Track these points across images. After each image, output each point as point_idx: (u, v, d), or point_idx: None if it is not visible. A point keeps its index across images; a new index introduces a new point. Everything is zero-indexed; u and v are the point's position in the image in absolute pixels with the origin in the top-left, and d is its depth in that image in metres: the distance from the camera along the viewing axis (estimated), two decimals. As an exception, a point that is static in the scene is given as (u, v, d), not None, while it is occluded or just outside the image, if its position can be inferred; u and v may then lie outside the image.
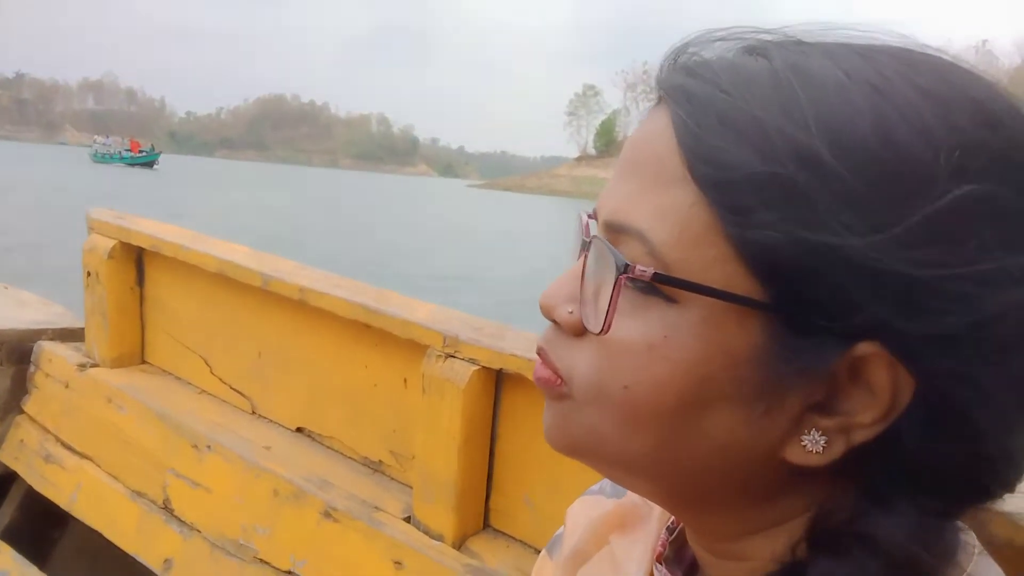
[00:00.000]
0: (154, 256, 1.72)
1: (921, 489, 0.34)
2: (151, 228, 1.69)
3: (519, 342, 1.14)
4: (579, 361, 0.37)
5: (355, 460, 1.45)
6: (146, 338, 1.82)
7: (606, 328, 0.35)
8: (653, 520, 0.50)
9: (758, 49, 0.36)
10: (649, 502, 0.51)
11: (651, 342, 0.34)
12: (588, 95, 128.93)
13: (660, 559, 0.47)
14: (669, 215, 0.34)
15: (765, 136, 0.32)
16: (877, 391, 0.32)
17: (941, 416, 0.33)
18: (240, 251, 1.55)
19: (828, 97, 0.32)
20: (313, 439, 1.53)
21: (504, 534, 1.24)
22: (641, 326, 0.35)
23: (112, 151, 75.04)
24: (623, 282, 0.34)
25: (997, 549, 0.38)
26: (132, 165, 68.32)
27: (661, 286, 0.34)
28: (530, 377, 1.09)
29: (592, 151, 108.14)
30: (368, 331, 1.35)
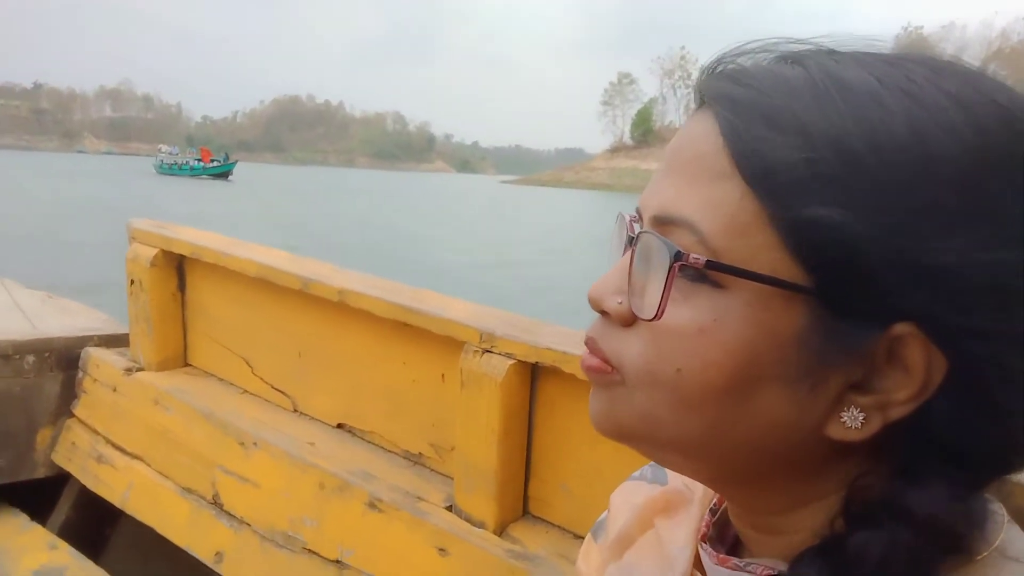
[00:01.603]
0: (194, 263, 1.78)
1: (950, 464, 0.36)
2: (191, 236, 1.76)
3: (553, 336, 1.19)
4: (630, 348, 0.40)
5: (396, 453, 1.51)
6: (188, 342, 1.89)
7: (660, 313, 0.37)
8: (696, 503, 0.53)
9: (793, 58, 0.39)
10: (691, 486, 0.54)
11: (701, 326, 0.37)
12: (623, 83, 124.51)
13: (704, 539, 0.49)
14: (718, 207, 0.36)
15: (807, 134, 0.34)
16: (912, 370, 0.35)
17: (969, 395, 0.35)
18: (279, 255, 1.61)
19: (863, 100, 0.35)
20: (354, 434, 1.59)
21: (543, 520, 1.29)
22: (691, 312, 0.37)
23: (180, 161, 69.36)
24: (676, 269, 0.37)
25: (1019, 519, 0.41)
26: (205, 176, 63.11)
27: (710, 272, 0.36)
28: (565, 370, 1.14)
29: (628, 141, 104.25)
30: (406, 329, 1.40)
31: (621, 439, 0.43)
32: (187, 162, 67.64)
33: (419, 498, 1.35)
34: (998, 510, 0.38)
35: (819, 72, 0.36)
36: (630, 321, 0.40)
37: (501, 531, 1.27)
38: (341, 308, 1.48)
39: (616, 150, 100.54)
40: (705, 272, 0.36)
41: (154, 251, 1.77)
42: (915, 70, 0.36)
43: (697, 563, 0.49)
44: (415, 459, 1.48)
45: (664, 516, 0.55)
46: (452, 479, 1.35)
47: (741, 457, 0.39)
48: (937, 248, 0.33)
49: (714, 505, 0.51)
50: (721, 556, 0.46)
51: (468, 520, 1.29)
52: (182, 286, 1.85)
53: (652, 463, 0.62)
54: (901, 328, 0.34)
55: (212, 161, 67.59)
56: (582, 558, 0.63)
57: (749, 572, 0.43)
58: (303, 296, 1.55)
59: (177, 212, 22.22)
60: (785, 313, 0.35)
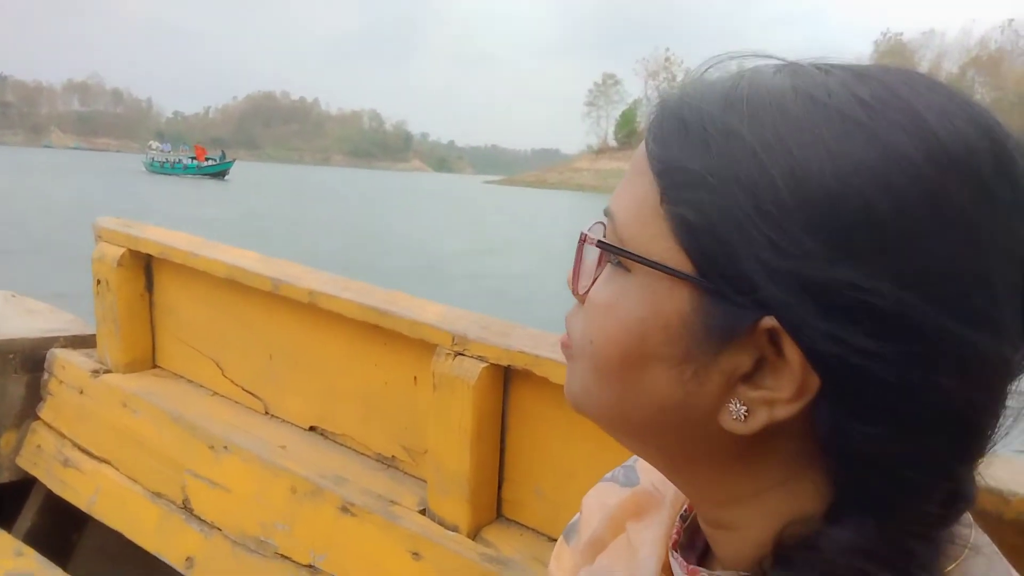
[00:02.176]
0: (163, 263, 1.75)
1: (889, 494, 0.36)
2: (159, 236, 1.73)
3: (526, 339, 1.19)
4: (576, 324, 0.45)
5: (369, 456, 1.50)
6: (157, 343, 1.86)
7: (576, 289, 0.44)
8: (666, 506, 0.52)
9: (742, 71, 0.40)
10: (661, 488, 0.54)
11: (609, 303, 0.41)
12: (608, 84, 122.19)
13: (675, 546, 0.49)
14: (632, 200, 0.40)
15: (703, 136, 0.37)
16: (793, 369, 0.35)
17: (848, 405, 0.35)
18: (249, 256, 1.59)
19: (759, 108, 0.36)
20: (326, 437, 1.57)
21: (516, 523, 1.29)
22: (606, 291, 0.42)
23: (173, 159, 62.74)
24: (583, 247, 0.44)
25: (989, 524, 0.41)
26: (200, 175, 56.99)
27: (619, 258, 0.41)
28: (537, 373, 1.14)
29: (613, 142, 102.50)
30: (378, 332, 1.39)
31: (578, 409, 0.46)
32: (180, 160, 61.84)
33: (392, 502, 1.35)
34: (964, 540, 0.38)
35: (740, 81, 0.38)
36: (584, 301, 0.45)
37: (475, 535, 1.27)
38: (312, 310, 1.47)
39: (600, 151, 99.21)
40: (617, 257, 0.41)
41: (121, 251, 1.74)
42: (851, 82, 0.36)
43: (668, 571, 0.49)
44: (388, 462, 1.47)
45: (635, 519, 0.55)
46: (425, 482, 1.35)
47: (651, 436, 0.42)
48: (791, 253, 0.34)
49: (684, 511, 0.52)
50: (691, 568, 0.46)
51: (441, 524, 1.28)
52: (150, 286, 1.82)
53: (624, 465, 0.62)
54: (767, 322, 0.35)
55: (207, 159, 61.60)
56: (554, 560, 0.63)
57: None
58: (273, 298, 1.53)
59: (175, 214, 20.62)
60: (671, 297, 0.38)
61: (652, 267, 0.38)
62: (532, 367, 1.14)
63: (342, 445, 1.55)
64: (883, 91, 0.35)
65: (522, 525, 1.29)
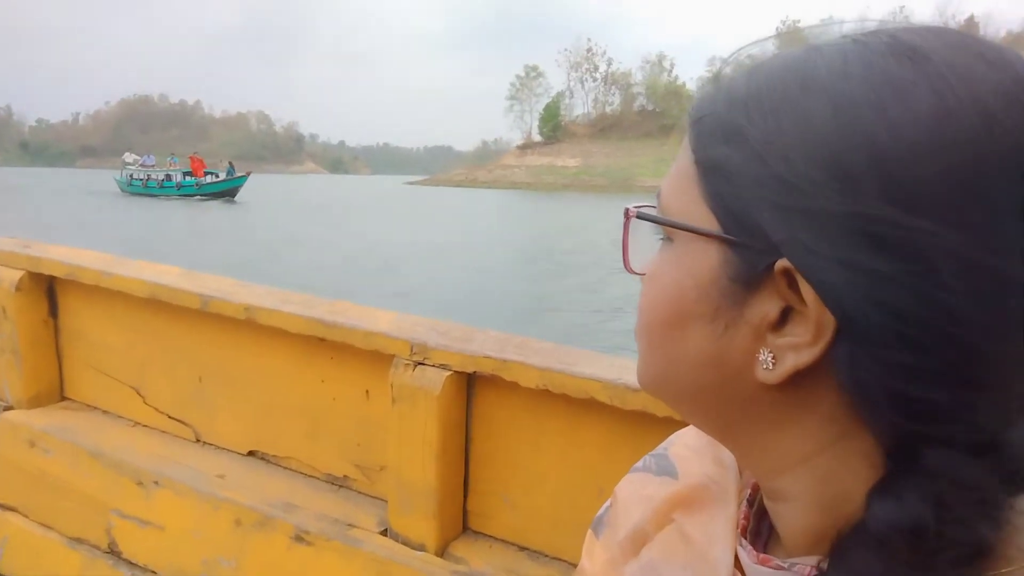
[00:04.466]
0: (69, 285, 1.59)
1: (942, 454, 0.35)
2: (63, 255, 1.57)
3: (490, 343, 1.14)
4: (639, 305, 0.46)
5: (318, 478, 1.41)
6: (64, 373, 1.69)
7: (627, 264, 0.47)
8: (731, 497, 0.51)
9: (767, 54, 0.43)
10: (719, 479, 0.52)
11: (654, 272, 0.44)
12: (530, 77, 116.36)
13: (744, 532, 0.48)
14: (675, 175, 0.44)
15: (730, 101, 0.41)
16: (810, 309, 0.36)
17: (879, 333, 0.35)
18: (171, 272, 1.46)
19: (788, 73, 0.39)
20: (268, 461, 1.47)
21: (484, 535, 1.24)
22: (655, 263, 0.44)
23: (159, 175, 43.77)
24: (628, 222, 0.46)
25: None
26: (202, 197, 40.13)
27: (664, 229, 0.43)
28: (505, 377, 1.10)
29: (537, 137, 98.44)
30: (323, 345, 1.31)
31: (646, 389, 0.48)
32: (169, 177, 43.40)
33: (350, 525, 1.27)
34: None
35: (764, 60, 0.42)
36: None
37: (442, 551, 1.21)
38: (248, 326, 1.36)
39: (526, 146, 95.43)
40: (664, 230, 0.43)
41: (19, 273, 1.57)
42: (856, 37, 0.38)
43: (737, 562, 0.47)
44: (340, 483, 1.39)
45: (685, 512, 0.53)
46: (385, 501, 1.28)
47: (700, 399, 0.44)
48: (799, 193, 0.36)
49: (749, 495, 0.50)
50: (762, 556, 0.45)
51: (406, 543, 1.22)
52: (54, 311, 1.64)
53: (654, 453, 0.60)
54: (782, 264, 0.36)
55: (207, 175, 42.94)
56: (586, 555, 0.60)
57: (793, 573, 0.42)
58: (202, 315, 1.41)
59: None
60: (703, 256, 0.40)
61: (682, 229, 0.41)
62: (500, 372, 1.10)
63: (287, 468, 1.45)
64: (887, 37, 0.37)
65: (491, 537, 1.24)
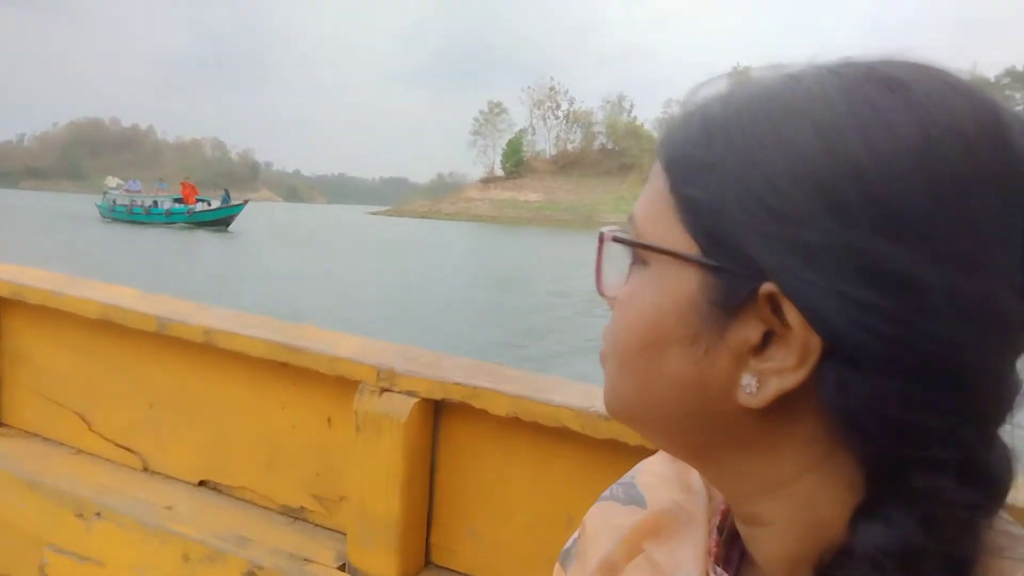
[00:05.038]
0: (12, 305, 1.51)
1: (930, 476, 0.35)
2: (9, 274, 1.49)
3: (460, 370, 1.12)
4: (607, 330, 0.46)
5: (272, 510, 1.35)
6: (3, 398, 1.59)
7: (600, 287, 0.46)
8: (699, 524, 0.50)
9: (726, 84, 0.43)
10: (686, 505, 0.52)
11: (630, 296, 0.43)
12: (494, 113, 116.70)
13: (716, 559, 0.47)
14: (648, 197, 0.43)
15: (706, 129, 0.40)
16: (795, 334, 0.36)
17: (866, 355, 0.35)
18: (126, 293, 1.40)
19: (752, 94, 0.40)
20: (221, 492, 1.40)
21: (448, 569, 1.20)
22: (628, 286, 0.44)
23: (144, 202, 40.29)
24: (602, 248, 0.45)
25: None
26: (190, 225, 37.38)
27: (638, 252, 0.43)
28: (475, 405, 1.08)
29: (500, 171, 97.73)
30: (284, 370, 1.27)
31: (615, 417, 0.47)
32: (157, 203, 39.90)
33: (306, 560, 1.21)
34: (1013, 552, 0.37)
35: (737, 84, 0.42)
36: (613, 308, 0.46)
37: (404, 587, 1.17)
38: (206, 350, 1.31)
39: (488, 180, 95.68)
40: (637, 253, 0.43)
41: (-43, 292, 1.48)
42: (834, 67, 0.39)
43: None
44: (296, 514, 1.33)
45: (654, 540, 0.52)
46: (344, 534, 1.23)
47: (676, 424, 0.43)
48: (779, 220, 0.36)
49: (719, 522, 0.50)
50: None
51: (366, 578, 1.17)
52: (-5, 332, 1.56)
53: (621, 482, 0.59)
54: (767, 288, 0.36)
55: (198, 201, 39.72)
56: None
57: None
58: (158, 339, 1.35)
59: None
60: (681, 280, 0.40)
61: (658, 252, 0.41)
62: (470, 399, 1.07)
63: (240, 500, 1.39)
64: (864, 68, 0.38)
65: (455, 571, 1.20)
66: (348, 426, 1.17)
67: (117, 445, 1.49)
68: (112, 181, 46.38)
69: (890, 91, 0.36)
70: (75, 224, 34.48)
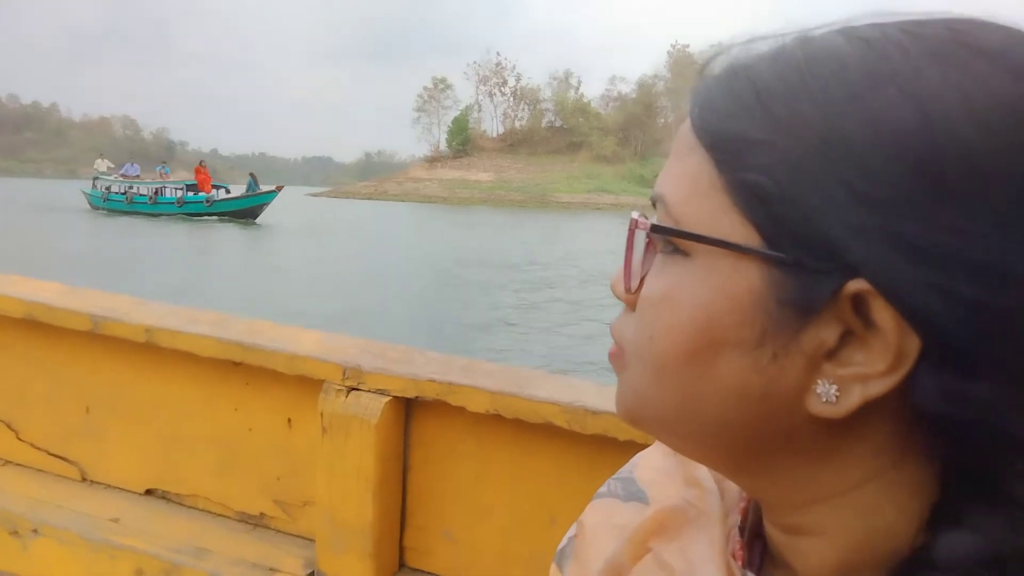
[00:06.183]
0: (-78, 304, 1.36)
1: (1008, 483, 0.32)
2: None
3: (431, 366, 1.06)
4: (628, 328, 0.41)
5: (229, 518, 1.27)
6: (-84, 406, 1.45)
7: (628, 284, 0.40)
8: (713, 522, 0.47)
9: (768, 44, 0.38)
10: (695, 501, 0.49)
11: (667, 293, 0.38)
12: (438, 89, 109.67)
13: (743, 562, 0.44)
14: (684, 178, 0.37)
15: (749, 104, 0.35)
16: (887, 336, 0.32)
17: (973, 358, 0.31)
18: (54, 289, 1.28)
19: (821, 69, 0.34)
20: (170, 501, 1.31)
21: (423, 572, 1.15)
22: (662, 281, 0.38)
23: (147, 190, 31.11)
24: (633, 234, 0.40)
25: None
26: (214, 217, 29.38)
27: (676, 241, 0.37)
28: (452, 403, 1.02)
29: (445, 150, 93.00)
30: (237, 369, 1.18)
31: (634, 423, 0.42)
32: (160, 191, 31.20)
33: (271, 569, 1.14)
34: None
35: (785, 45, 0.37)
36: (634, 304, 0.41)
37: (378, 593, 1.11)
38: (148, 350, 1.21)
39: (434, 159, 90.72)
40: (673, 242, 0.37)
41: None
42: (904, 26, 0.34)
43: None
44: (256, 521, 1.25)
45: (661, 539, 0.48)
46: (311, 540, 1.16)
47: (725, 435, 0.38)
48: (874, 206, 0.32)
49: (740, 522, 0.46)
50: None
51: (337, 586, 1.11)
52: (-96, 335, 1.40)
53: (618, 477, 0.55)
54: (854, 285, 0.32)
55: (216, 188, 30.92)
56: None
57: None
58: (92, 338, 1.24)
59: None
60: (738, 275, 0.35)
61: (717, 245, 0.35)
62: (446, 396, 1.01)
63: (192, 508, 1.29)
64: (944, 29, 0.33)
65: (429, 574, 1.15)
66: (311, 427, 1.10)
67: (51, 454, 1.37)
68: (102, 164, 35.25)
69: (987, 57, 0.32)
70: (64, 217, 27.42)
